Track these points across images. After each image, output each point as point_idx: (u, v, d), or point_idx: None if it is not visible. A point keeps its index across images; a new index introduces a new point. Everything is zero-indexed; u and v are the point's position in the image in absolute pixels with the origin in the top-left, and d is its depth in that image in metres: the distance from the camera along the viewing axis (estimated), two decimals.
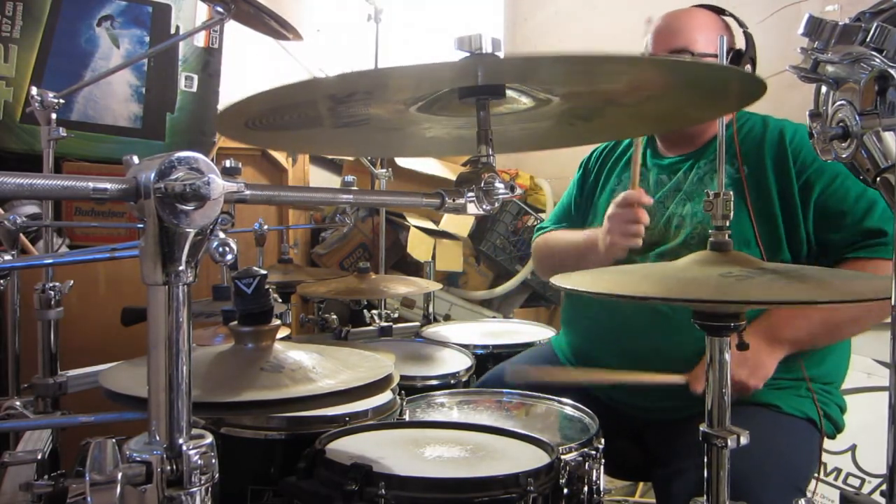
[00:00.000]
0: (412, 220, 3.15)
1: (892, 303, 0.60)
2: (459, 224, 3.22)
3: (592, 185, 1.77)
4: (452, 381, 1.60)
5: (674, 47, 1.54)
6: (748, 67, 1.54)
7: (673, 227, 1.53)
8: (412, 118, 0.93)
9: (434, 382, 1.58)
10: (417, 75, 0.79)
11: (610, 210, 1.51)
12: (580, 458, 1.11)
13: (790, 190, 1.43)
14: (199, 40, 2.50)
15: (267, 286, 0.97)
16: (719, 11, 1.61)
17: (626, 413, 1.52)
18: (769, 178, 1.45)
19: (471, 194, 0.81)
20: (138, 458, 0.58)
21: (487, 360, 1.82)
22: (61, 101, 1.44)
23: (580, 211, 1.82)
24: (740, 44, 1.57)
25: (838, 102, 0.66)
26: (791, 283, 0.90)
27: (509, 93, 0.85)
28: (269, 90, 0.72)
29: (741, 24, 1.58)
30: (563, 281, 0.97)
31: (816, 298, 0.88)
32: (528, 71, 0.83)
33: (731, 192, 0.97)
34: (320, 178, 3.36)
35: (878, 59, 0.61)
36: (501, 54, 0.72)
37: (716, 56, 1.52)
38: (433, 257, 3.08)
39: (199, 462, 0.60)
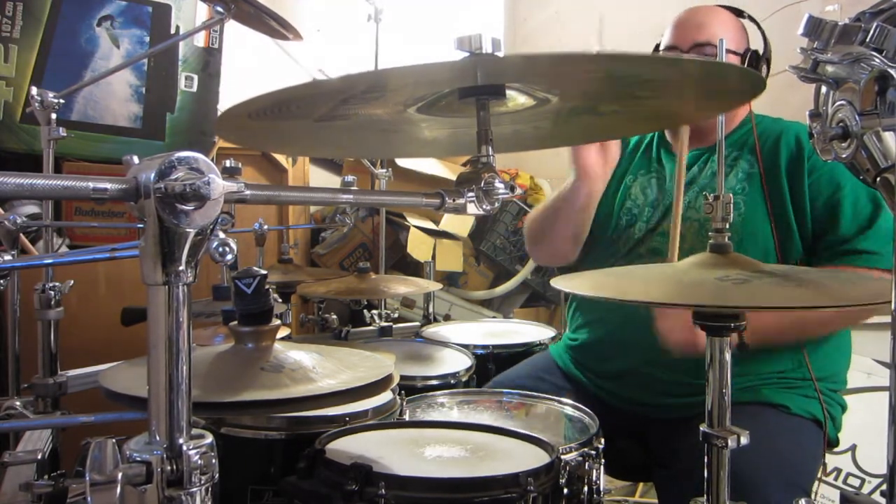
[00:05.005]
0: (412, 220, 3.15)
1: (893, 306, 0.60)
2: (459, 224, 3.23)
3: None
4: (452, 381, 1.60)
5: (698, 40, 1.55)
6: (764, 69, 1.55)
7: (687, 220, 1.53)
8: (411, 118, 0.93)
9: (434, 382, 1.57)
10: (417, 75, 0.79)
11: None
12: (580, 458, 1.11)
13: (801, 189, 1.45)
14: (199, 40, 2.50)
15: (267, 286, 0.97)
16: (738, 13, 1.62)
17: (627, 412, 1.52)
18: (782, 176, 1.47)
19: (471, 194, 0.81)
20: (138, 458, 0.58)
21: (487, 360, 1.82)
22: (61, 101, 1.43)
23: None
24: (756, 45, 1.58)
25: (838, 102, 0.66)
26: (789, 286, 0.90)
27: (509, 92, 0.85)
28: (269, 92, 0.72)
29: (759, 27, 1.60)
30: (563, 283, 0.97)
31: (814, 303, 0.88)
32: (528, 70, 0.83)
33: (731, 195, 0.97)
34: (320, 178, 3.37)
35: (878, 59, 0.61)
36: (501, 54, 0.72)
37: (737, 54, 1.55)
38: (433, 257, 3.08)
39: (199, 462, 0.60)
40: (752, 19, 1.62)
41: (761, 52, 1.57)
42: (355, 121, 0.94)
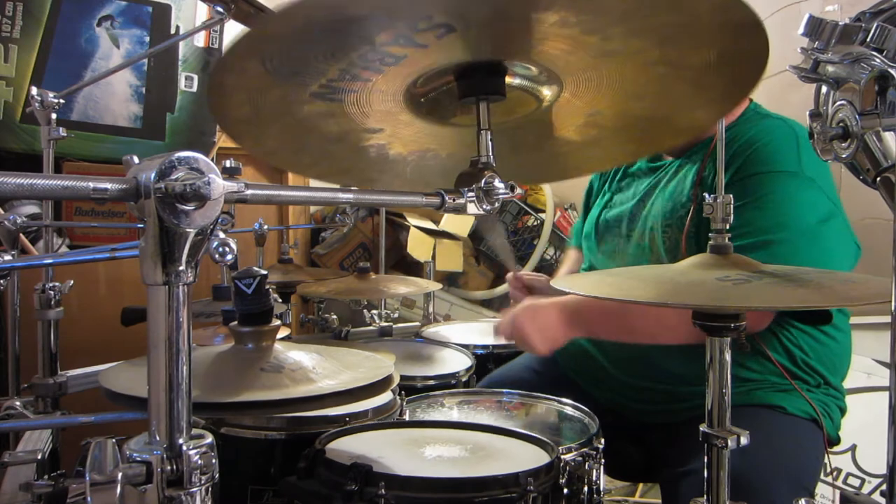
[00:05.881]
0: (412, 220, 3.15)
1: (892, 306, 0.60)
2: (459, 224, 3.23)
3: (600, 185, 1.79)
4: (452, 381, 1.60)
5: None
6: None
7: (648, 229, 1.53)
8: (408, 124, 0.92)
9: (434, 382, 1.57)
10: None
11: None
12: (580, 458, 1.11)
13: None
14: (199, 40, 2.50)
15: (267, 286, 0.97)
16: None
17: (627, 416, 1.52)
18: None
19: (471, 194, 0.81)
20: (138, 458, 0.58)
21: (487, 360, 1.82)
22: (61, 101, 1.44)
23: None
24: None
25: (838, 102, 0.66)
26: (789, 287, 0.89)
27: (509, 93, 0.85)
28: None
29: None
30: (562, 284, 0.97)
31: (816, 303, 0.88)
32: None
33: (731, 196, 0.97)
34: None
35: (878, 59, 0.61)
36: None
37: None
38: (433, 257, 3.08)
39: (200, 462, 0.60)
40: None
41: None
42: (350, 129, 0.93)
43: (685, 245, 1.42)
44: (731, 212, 0.96)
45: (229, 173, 1.66)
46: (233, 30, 2.17)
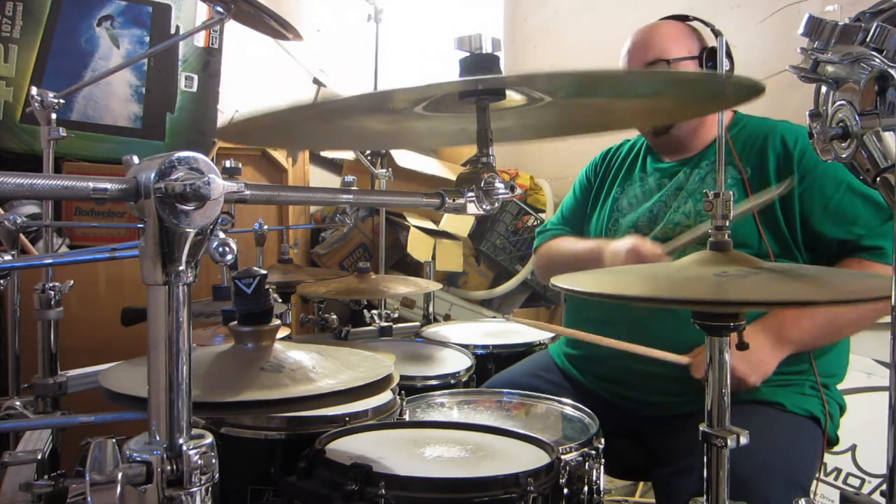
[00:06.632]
0: (412, 220, 3.15)
1: (893, 303, 0.60)
2: (459, 224, 3.23)
3: (596, 192, 1.79)
4: (452, 381, 1.60)
5: (648, 60, 1.59)
6: (726, 63, 1.53)
7: (676, 226, 1.54)
8: (413, 114, 0.93)
9: (434, 382, 1.57)
10: (421, 91, 0.79)
11: (631, 247, 1.47)
12: (580, 458, 1.11)
13: (790, 194, 1.44)
14: (199, 40, 2.50)
15: (267, 286, 0.97)
16: (683, 19, 1.64)
17: (625, 408, 1.53)
18: (771, 179, 1.46)
19: (471, 194, 0.81)
20: (138, 458, 0.58)
21: (487, 360, 1.82)
22: (61, 101, 1.44)
23: (578, 216, 1.84)
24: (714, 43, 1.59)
25: (838, 102, 0.66)
26: (787, 282, 0.89)
27: (508, 92, 0.85)
28: (268, 112, 0.71)
29: (708, 24, 1.60)
30: (562, 282, 0.97)
31: (813, 298, 0.88)
32: (525, 83, 0.83)
33: (732, 193, 0.97)
34: (320, 178, 3.37)
35: (877, 59, 0.61)
36: (502, 60, 0.72)
37: (692, 59, 1.56)
38: (433, 257, 3.08)
39: (199, 462, 0.60)
40: (699, 20, 1.62)
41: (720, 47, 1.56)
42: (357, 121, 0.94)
43: (763, 236, 1.44)
44: (732, 208, 0.96)
45: (229, 173, 1.66)
46: (233, 29, 2.17)
